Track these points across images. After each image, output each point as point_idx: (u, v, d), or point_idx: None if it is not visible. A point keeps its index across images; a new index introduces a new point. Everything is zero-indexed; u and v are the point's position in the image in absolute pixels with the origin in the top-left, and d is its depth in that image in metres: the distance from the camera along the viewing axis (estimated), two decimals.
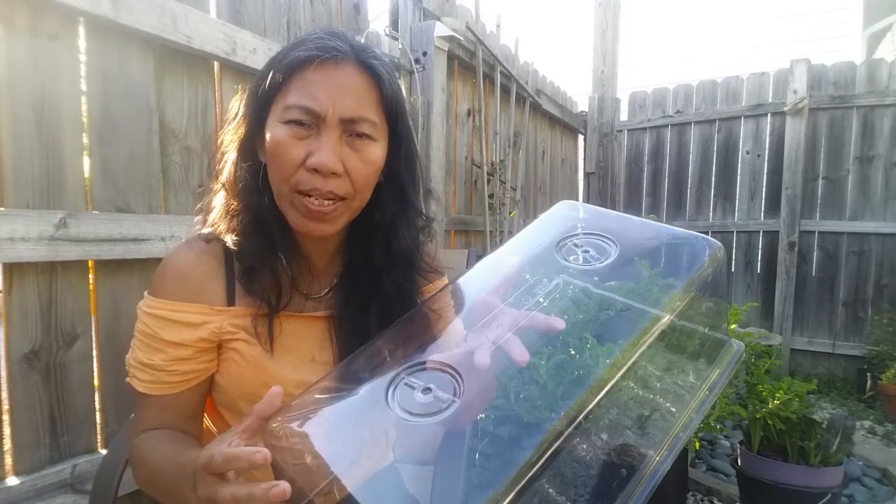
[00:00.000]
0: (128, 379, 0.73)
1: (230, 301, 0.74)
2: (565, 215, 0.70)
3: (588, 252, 0.61)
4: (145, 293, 0.74)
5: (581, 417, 0.45)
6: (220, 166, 0.76)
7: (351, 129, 0.68)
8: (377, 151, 0.71)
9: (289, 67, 0.67)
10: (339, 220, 0.71)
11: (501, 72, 2.91)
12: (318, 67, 0.67)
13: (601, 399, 0.47)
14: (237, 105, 0.76)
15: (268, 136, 0.69)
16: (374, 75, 0.69)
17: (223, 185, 0.75)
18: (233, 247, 0.72)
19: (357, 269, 0.79)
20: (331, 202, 0.68)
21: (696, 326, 0.63)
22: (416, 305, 0.78)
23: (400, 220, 0.77)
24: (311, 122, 0.66)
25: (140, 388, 0.72)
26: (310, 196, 0.67)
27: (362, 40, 0.85)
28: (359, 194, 0.71)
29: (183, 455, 0.61)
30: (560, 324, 0.52)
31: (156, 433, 0.71)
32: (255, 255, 0.72)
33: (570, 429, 0.44)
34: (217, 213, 0.76)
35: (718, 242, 0.61)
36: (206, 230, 0.78)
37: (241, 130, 0.73)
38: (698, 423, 0.53)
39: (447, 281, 0.86)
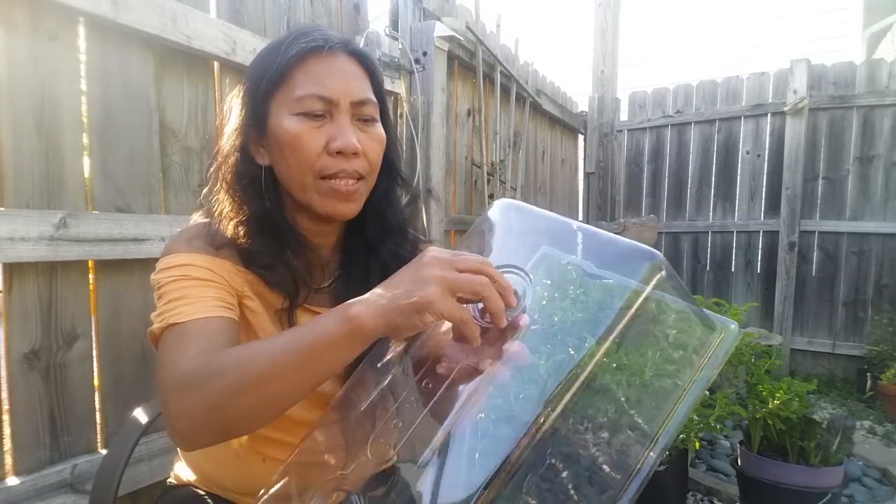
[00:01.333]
0: (153, 327, 0.66)
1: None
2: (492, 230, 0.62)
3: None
4: (156, 265, 0.72)
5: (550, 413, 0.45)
6: (220, 173, 0.76)
7: (359, 113, 0.72)
8: (381, 130, 0.75)
9: (296, 59, 0.69)
10: (361, 199, 0.75)
11: (501, 72, 2.91)
12: (319, 58, 0.70)
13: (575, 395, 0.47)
14: (227, 107, 0.77)
15: (278, 132, 0.69)
16: (365, 61, 0.74)
17: (226, 192, 0.75)
18: (243, 248, 0.72)
19: (356, 250, 0.82)
20: (355, 181, 0.72)
21: (686, 303, 0.56)
22: None
23: (391, 194, 0.82)
24: (324, 110, 0.69)
25: (177, 319, 0.64)
26: (335, 178, 0.70)
27: (362, 40, 0.86)
28: (372, 172, 0.75)
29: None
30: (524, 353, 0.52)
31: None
32: (269, 253, 0.73)
33: (548, 419, 0.44)
34: (219, 219, 0.75)
35: (660, 256, 0.51)
36: (200, 224, 0.77)
37: (240, 135, 0.73)
38: (687, 415, 0.52)
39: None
